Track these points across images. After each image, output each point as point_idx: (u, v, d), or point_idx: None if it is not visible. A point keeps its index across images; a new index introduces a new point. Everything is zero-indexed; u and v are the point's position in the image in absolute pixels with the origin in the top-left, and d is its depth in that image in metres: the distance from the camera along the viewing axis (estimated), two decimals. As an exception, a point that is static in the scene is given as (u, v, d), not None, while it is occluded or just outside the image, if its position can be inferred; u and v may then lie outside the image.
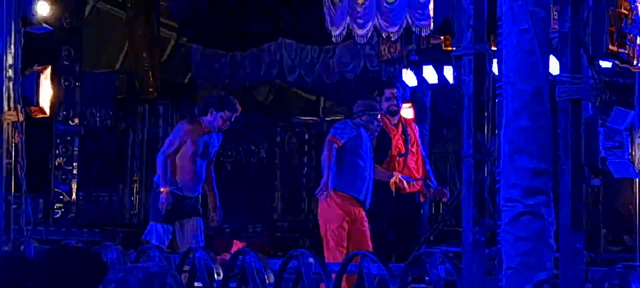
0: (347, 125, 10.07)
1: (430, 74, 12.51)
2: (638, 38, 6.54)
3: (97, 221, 14.92)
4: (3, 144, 9.68)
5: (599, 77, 6.32)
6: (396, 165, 10.26)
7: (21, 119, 9.68)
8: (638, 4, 6.56)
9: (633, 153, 9.94)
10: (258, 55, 15.65)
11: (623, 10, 6.36)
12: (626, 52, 6.38)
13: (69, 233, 13.73)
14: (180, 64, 16.57)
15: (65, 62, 14.56)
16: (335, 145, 9.84)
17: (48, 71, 9.83)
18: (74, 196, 14.57)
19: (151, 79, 15.63)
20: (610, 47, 6.24)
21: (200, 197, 9.96)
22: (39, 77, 9.72)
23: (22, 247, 9.41)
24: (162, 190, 9.53)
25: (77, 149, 14.61)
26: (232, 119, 9.84)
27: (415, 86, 12.79)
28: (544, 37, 5.95)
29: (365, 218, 10.14)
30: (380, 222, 10.37)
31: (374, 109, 10.19)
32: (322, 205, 10.10)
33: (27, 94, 9.71)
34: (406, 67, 12.84)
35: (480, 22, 6.40)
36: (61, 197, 14.50)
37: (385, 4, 11.76)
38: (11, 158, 9.73)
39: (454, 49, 6.60)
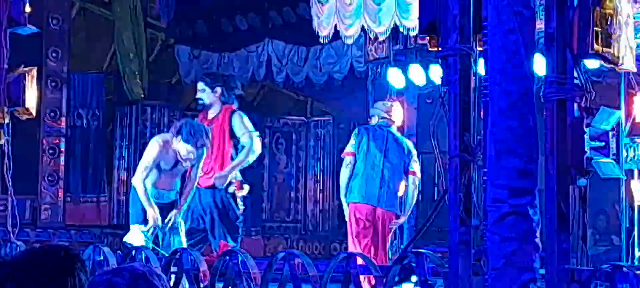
0: None
1: (417, 74, 12.51)
2: (623, 38, 6.56)
3: (84, 222, 14.89)
4: (-11, 146, 9.66)
5: (585, 77, 6.33)
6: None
7: (7, 120, 9.66)
8: (622, 4, 6.58)
9: (618, 152, 9.98)
10: (246, 55, 15.64)
11: (608, 11, 6.37)
12: (611, 52, 6.39)
13: (56, 235, 13.70)
14: (168, 64, 16.54)
15: (52, 64, 14.54)
16: None
17: (34, 72, 9.80)
18: (61, 197, 14.54)
19: (138, 80, 15.61)
20: (596, 47, 6.25)
21: (176, 201, 9.80)
22: (25, 79, 9.68)
23: (8, 249, 9.38)
24: (148, 213, 9.31)
25: (64, 150, 14.58)
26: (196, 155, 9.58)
27: (402, 86, 12.79)
28: (530, 38, 5.96)
29: None
30: None
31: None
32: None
33: (13, 95, 9.67)
34: (393, 67, 12.84)
35: (466, 23, 6.40)
36: (48, 198, 14.47)
37: (372, 4, 11.76)
38: (-3, 160, 9.71)
39: (439, 49, 6.60)
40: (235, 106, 10.46)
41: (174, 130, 9.43)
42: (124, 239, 9.57)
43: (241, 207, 10.35)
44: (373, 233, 10.23)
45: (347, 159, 10.37)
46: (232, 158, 10.34)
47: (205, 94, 10.34)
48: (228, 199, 10.31)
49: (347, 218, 10.40)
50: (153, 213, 9.28)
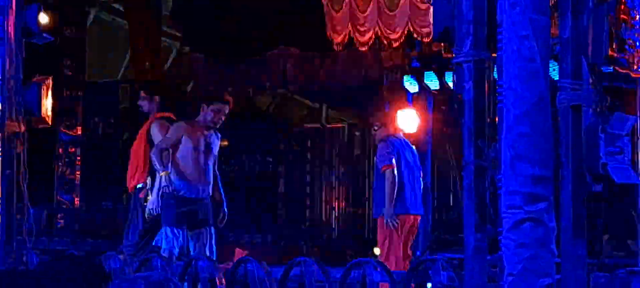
0: None
1: (431, 81, 12.52)
2: (637, 43, 6.55)
3: (100, 230, 14.92)
4: (5, 155, 9.68)
5: (600, 82, 6.33)
6: None
7: (23, 129, 9.68)
8: (637, 10, 6.57)
9: (635, 158, 9.95)
10: (261, 63, 15.68)
11: (622, 16, 6.37)
12: (626, 57, 6.38)
13: (72, 243, 13.72)
14: (183, 73, 16.58)
15: (68, 72, 14.59)
16: None
17: (49, 81, 9.83)
18: (77, 205, 14.58)
19: (153, 89, 15.62)
20: (610, 52, 6.25)
21: (210, 201, 9.84)
22: (40, 88, 9.71)
23: (24, 258, 9.41)
24: (162, 173, 9.50)
25: (79, 159, 14.62)
26: (226, 112, 9.77)
27: (417, 93, 12.80)
28: (544, 44, 5.95)
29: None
30: None
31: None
32: None
33: (29, 104, 9.70)
34: (408, 74, 12.85)
35: (480, 29, 6.40)
36: (64, 206, 14.51)
37: (386, 12, 11.78)
38: (13, 169, 9.73)
39: (454, 55, 6.60)
40: (163, 114, 10.42)
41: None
42: (154, 243, 9.57)
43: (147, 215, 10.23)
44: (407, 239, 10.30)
45: (390, 171, 10.21)
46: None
47: (145, 101, 10.37)
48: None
49: (385, 227, 10.21)
50: (165, 174, 9.43)
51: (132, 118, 15.79)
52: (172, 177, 9.63)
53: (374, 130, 10.55)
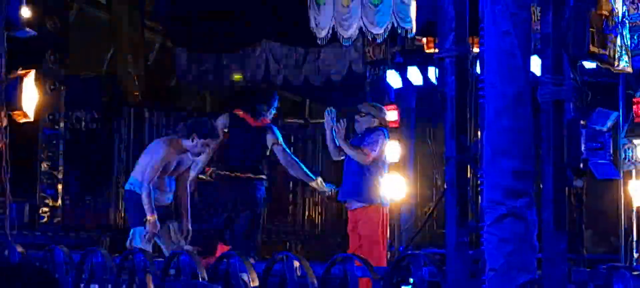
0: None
1: (415, 75, 12.52)
2: (619, 39, 6.57)
3: (83, 225, 14.89)
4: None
5: (581, 78, 6.35)
6: None
7: (4, 123, 9.65)
8: (618, 6, 6.59)
9: (616, 154, 9.99)
10: (243, 57, 15.66)
11: (604, 12, 6.38)
12: (607, 53, 6.40)
13: (55, 238, 13.69)
14: (166, 67, 16.55)
15: (51, 66, 14.53)
16: None
17: (31, 75, 9.79)
18: (59, 200, 14.54)
19: (136, 82, 15.61)
20: (592, 48, 6.26)
21: (172, 203, 9.82)
22: (22, 81, 9.68)
23: (6, 252, 9.39)
24: (149, 218, 9.32)
25: (62, 153, 14.57)
26: (212, 147, 9.73)
27: (400, 88, 12.80)
28: (525, 39, 5.96)
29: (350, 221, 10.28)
30: None
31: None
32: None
33: (11, 98, 9.67)
34: (391, 69, 12.85)
35: (462, 25, 6.40)
36: (47, 201, 14.46)
37: (370, 6, 11.78)
38: (-5, 163, 9.70)
39: (436, 51, 6.61)
40: None
41: (182, 131, 9.50)
42: (129, 244, 9.51)
43: None
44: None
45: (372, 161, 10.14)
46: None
47: None
48: None
49: (375, 222, 10.11)
50: (153, 219, 9.27)
51: (114, 112, 15.76)
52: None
53: (362, 115, 10.42)
